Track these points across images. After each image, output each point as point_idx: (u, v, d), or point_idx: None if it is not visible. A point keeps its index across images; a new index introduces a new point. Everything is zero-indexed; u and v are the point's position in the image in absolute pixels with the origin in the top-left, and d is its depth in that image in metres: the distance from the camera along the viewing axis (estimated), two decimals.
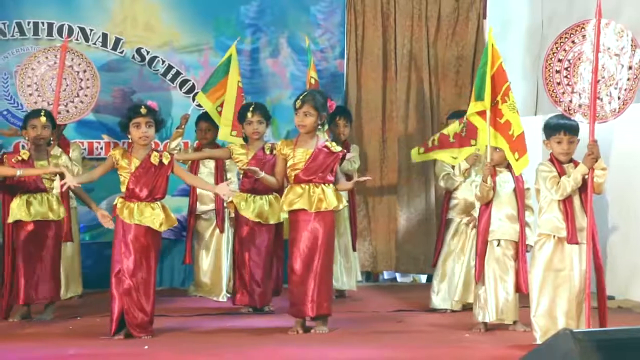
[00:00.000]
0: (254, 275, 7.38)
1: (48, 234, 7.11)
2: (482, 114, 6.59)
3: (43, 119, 7.09)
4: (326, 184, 6.60)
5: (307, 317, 6.59)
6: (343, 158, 6.76)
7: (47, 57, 7.92)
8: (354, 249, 8.44)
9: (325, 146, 6.65)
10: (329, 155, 6.63)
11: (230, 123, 7.92)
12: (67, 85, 7.76)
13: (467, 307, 7.18)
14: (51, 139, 7.25)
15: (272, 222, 7.44)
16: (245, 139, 7.58)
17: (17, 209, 7.01)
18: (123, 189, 6.41)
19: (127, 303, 6.27)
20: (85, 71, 7.88)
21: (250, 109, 7.49)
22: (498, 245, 6.69)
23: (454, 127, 7.43)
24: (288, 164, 6.64)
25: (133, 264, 6.30)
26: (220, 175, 8.05)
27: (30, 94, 7.86)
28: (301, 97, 6.66)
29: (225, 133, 7.94)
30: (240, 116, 7.58)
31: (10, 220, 7.04)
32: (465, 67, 9.46)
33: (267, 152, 7.40)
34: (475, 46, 9.45)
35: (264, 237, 7.44)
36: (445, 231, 7.59)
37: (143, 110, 6.39)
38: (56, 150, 7.43)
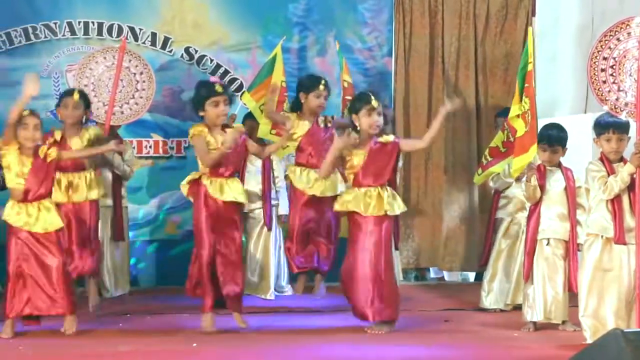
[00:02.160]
0: (314, 240, 7.48)
1: (83, 216, 7.17)
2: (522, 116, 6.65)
3: (76, 96, 7.16)
4: (382, 187, 6.49)
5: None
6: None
7: (105, 58, 7.85)
8: (397, 248, 8.40)
9: (377, 142, 6.52)
10: (383, 148, 6.49)
11: (270, 122, 7.95)
12: (123, 87, 7.72)
13: (518, 307, 7.13)
14: (84, 118, 7.27)
15: (329, 194, 7.46)
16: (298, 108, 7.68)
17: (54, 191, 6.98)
18: (202, 167, 6.38)
19: (222, 275, 6.35)
20: (142, 73, 7.84)
21: (323, 81, 7.51)
22: (547, 244, 6.64)
23: (499, 137, 7.42)
24: (347, 165, 6.54)
25: (218, 237, 6.35)
26: (267, 173, 8.03)
27: None
28: (373, 97, 6.47)
29: (264, 131, 7.96)
30: (311, 86, 7.57)
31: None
32: (514, 64, 9.36)
33: (322, 125, 7.38)
34: (524, 44, 9.37)
35: (322, 208, 7.53)
36: (495, 230, 7.54)
37: (219, 89, 6.32)
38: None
